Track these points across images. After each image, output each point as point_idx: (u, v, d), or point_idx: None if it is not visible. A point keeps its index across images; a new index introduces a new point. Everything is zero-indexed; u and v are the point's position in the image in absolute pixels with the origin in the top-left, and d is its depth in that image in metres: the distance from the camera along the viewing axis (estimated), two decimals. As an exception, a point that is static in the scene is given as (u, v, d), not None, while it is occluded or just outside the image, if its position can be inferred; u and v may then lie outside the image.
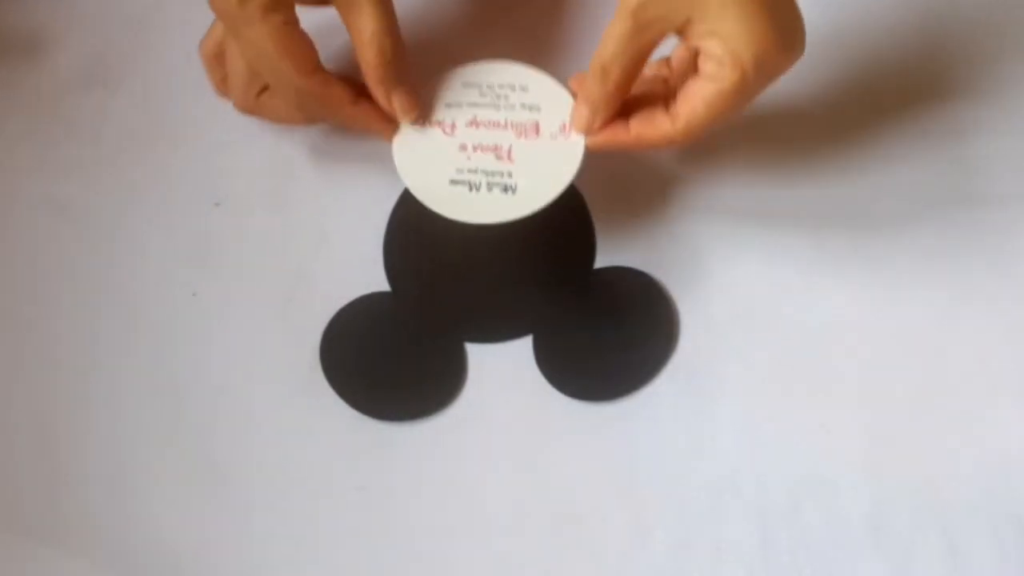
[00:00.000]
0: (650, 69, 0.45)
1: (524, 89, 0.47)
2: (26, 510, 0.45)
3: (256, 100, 0.47)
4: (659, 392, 0.46)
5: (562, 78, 0.46)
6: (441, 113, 0.47)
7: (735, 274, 0.47)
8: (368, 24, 0.43)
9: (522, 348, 0.47)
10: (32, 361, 0.48)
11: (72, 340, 0.49)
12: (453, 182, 0.46)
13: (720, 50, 0.39)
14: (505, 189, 0.46)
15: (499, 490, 0.44)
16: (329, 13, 0.43)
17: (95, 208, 0.52)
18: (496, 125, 0.47)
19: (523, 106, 0.47)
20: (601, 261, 0.49)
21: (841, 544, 0.42)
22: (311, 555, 0.44)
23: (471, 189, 0.46)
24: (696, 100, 0.40)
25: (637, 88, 0.43)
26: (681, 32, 0.40)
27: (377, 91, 0.45)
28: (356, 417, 0.46)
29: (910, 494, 0.43)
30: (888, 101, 0.51)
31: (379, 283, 0.49)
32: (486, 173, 0.46)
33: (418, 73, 0.47)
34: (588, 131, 0.44)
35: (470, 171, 0.46)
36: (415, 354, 0.47)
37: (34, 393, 0.48)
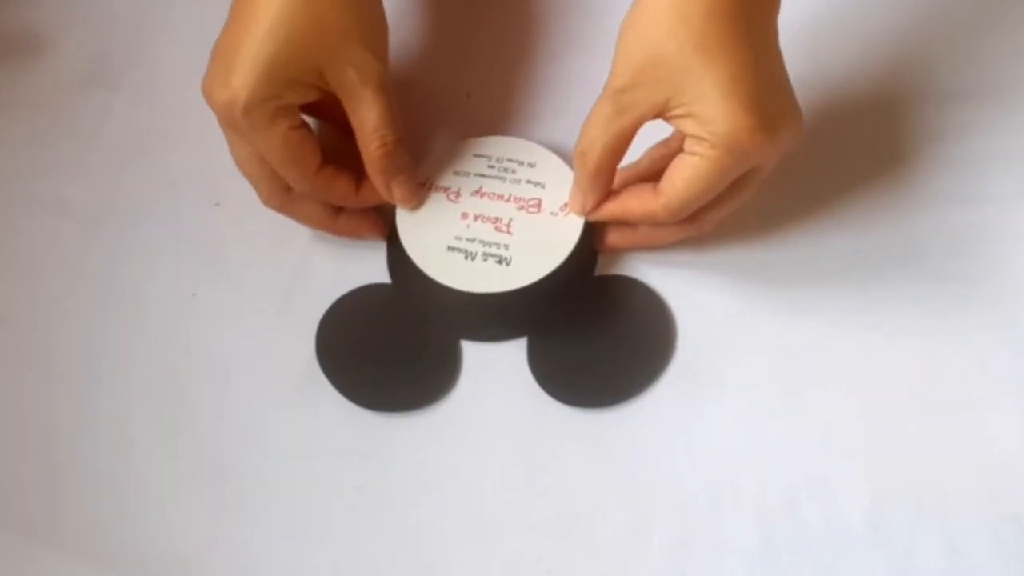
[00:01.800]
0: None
1: (532, 166, 0.49)
2: (26, 510, 0.45)
3: (286, 199, 0.46)
4: (658, 394, 0.45)
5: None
6: (448, 179, 0.49)
7: (733, 281, 0.47)
8: (370, 116, 0.44)
9: (518, 349, 0.47)
10: (33, 361, 0.48)
11: (72, 340, 0.49)
12: (450, 248, 0.47)
13: (696, 130, 0.40)
14: (499, 261, 0.46)
15: (498, 490, 0.44)
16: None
17: (95, 208, 0.52)
18: (500, 197, 0.48)
19: (528, 182, 0.48)
20: (598, 269, 0.48)
21: (841, 544, 0.42)
22: (309, 553, 0.44)
23: (466, 257, 0.47)
24: (676, 178, 0.42)
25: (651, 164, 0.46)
26: (661, 114, 0.41)
27: (377, 181, 0.46)
28: (353, 414, 0.46)
29: (910, 494, 0.43)
30: (888, 101, 0.51)
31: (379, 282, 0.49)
32: (483, 243, 0.47)
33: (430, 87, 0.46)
34: (581, 212, 0.47)
35: (468, 239, 0.47)
36: (409, 346, 0.47)
37: (34, 392, 0.48)
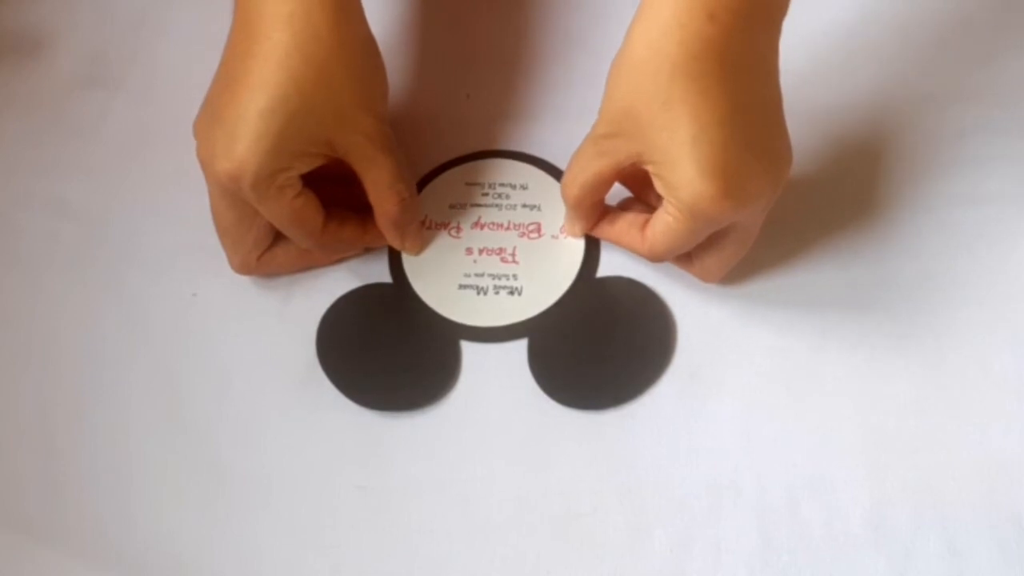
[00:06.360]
0: None
1: (524, 188, 0.49)
2: (26, 510, 0.45)
3: (258, 262, 0.47)
4: (658, 394, 0.45)
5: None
6: (446, 215, 0.49)
7: (732, 281, 0.47)
8: (384, 176, 0.45)
9: (518, 349, 0.47)
10: (33, 361, 0.48)
11: (72, 340, 0.49)
12: (461, 287, 0.47)
13: (665, 192, 0.40)
14: (511, 292, 0.47)
15: (498, 490, 0.44)
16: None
17: (95, 208, 0.52)
18: (500, 227, 0.48)
19: (524, 206, 0.49)
20: (599, 270, 0.48)
21: (841, 544, 0.42)
22: (309, 553, 0.44)
23: (479, 293, 0.47)
24: (657, 228, 0.42)
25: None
26: (637, 165, 0.41)
27: (391, 234, 0.47)
28: (353, 414, 0.46)
29: (910, 494, 0.43)
30: (888, 102, 0.51)
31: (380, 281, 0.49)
32: (492, 276, 0.47)
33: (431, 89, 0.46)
34: (573, 235, 0.48)
35: (477, 275, 0.47)
36: (409, 346, 0.47)
37: (35, 392, 0.48)
